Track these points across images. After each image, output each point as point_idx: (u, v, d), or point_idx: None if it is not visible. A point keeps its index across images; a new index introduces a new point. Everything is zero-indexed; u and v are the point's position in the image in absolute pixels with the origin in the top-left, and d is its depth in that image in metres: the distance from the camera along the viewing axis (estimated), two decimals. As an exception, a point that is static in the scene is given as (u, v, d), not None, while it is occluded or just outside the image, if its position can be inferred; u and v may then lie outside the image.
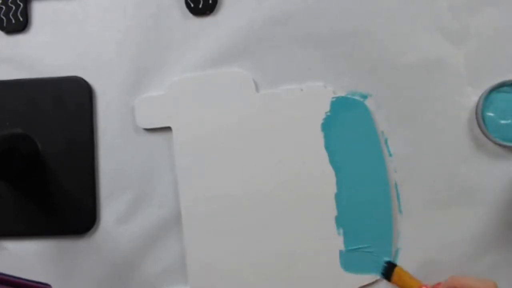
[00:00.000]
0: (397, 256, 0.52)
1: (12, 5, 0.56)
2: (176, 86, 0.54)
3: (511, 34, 0.51)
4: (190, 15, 0.54)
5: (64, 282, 0.56)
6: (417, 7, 0.52)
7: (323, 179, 0.52)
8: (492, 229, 0.52)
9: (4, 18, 0.56)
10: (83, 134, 0.55)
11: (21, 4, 0.56)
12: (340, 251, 0.52)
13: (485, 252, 0.52)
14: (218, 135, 0.54)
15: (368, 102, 0.53)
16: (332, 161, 0.52)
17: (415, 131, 0.52)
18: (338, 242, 0.52)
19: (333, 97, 0.53)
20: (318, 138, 0.53)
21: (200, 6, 0.54)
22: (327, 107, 0.53)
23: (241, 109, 0.53)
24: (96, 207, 0.55)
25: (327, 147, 0.52)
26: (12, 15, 0.56)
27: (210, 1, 0.54)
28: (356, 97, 0.53)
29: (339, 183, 0.52)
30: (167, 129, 0.54)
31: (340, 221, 0.52)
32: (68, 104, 0.55)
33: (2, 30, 0.56)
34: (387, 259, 0.51)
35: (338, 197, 0.52)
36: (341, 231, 0.52)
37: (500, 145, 0.51)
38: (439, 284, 0.44)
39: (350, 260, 0.52)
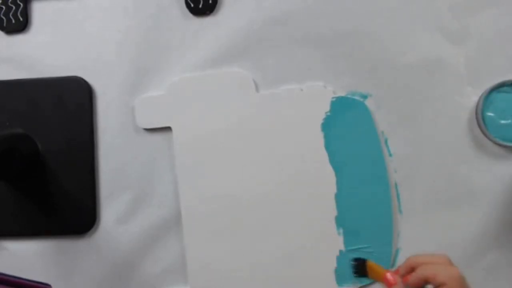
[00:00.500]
0: (397, 256, 0.52)
1: (12, 5, 0.56)
2: (176, 86, 0.54)
3: (511, 34, 0.51)
4: (190, 15, 0.54)
5: (64, 282, 0.56)
6: (417, 7, 0.52)
7: (323, 179, 0.52)
8: (492, 229, 0.52)
9: (4, 18, 0.56)
10: (83, 134, 0.55)
11: (21, 4, 0.56)
12: (339, 253, 0.52)
13: (485, 252, 0.52)
14: (218, 135, 0.54)
15: (368, 102, 0.53)
16: (332, 161, 0.52)
17: (415, 131, 0.52)
18: (338, 242, 0.52)
19: (333, 97, 0.53)
20: (318, 138, 0.53)
21: (200, 6, 0.54)
22: (327, 107, 0.53)
23: (241, 109, 0.53)
24: (96, 207, 0.55)
25: (327, 147, 0.52)
26: (12, 15, 0.56)
27: (210, 1, 0.54)
28: (356, 97, 0.53)
29: (339, 183, 0.52)
30: (167, 129, 0.54)
31: (340, 221, 0.52)
32: (68, 104, 0.55)
33: (2, 30, 0.56)
34: (354, 257, 0.50)
35: (338, 197, 0.52)
36: (341, 231, 0.52)
37: (500, 145, 0.51)
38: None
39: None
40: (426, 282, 0.39)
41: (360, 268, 0.47)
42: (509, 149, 0.51)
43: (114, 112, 0.56)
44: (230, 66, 0.54)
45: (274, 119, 0.53)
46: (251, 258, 0.53)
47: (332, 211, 0.52)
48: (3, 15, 0.56)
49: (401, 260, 0.52)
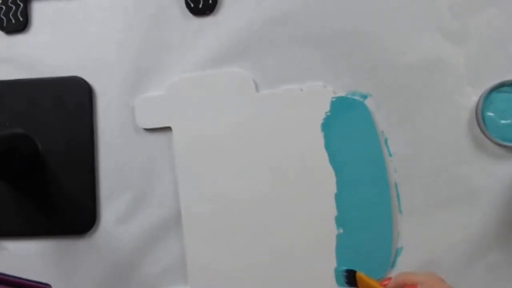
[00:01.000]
0: (397, 256, 0.52)
1: (12, 5, 0.56)
2: (176, 86, 0.54)
3: (511, 34, 0.51)
4: (190, 15, 0.54)
5: (64, 282, 0.56)
6: (417, 7, 0.52)
7: (323, 179, 0.52)
8: (492, 229, 0.52)
9: (4, 18, 0.56)
10: (83, 134, 0.55)
11: (21, 4, 0.56)
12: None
13: (485, 252, 0.52)
14: (218, 135, 0.54)
15: (368, 102, 0.53)
16: (332, 161, 0.52)
17: (415, 131, 0.52)
18: (338, 242, 0.52)
19: (333, 97, 0.53)
20: (318, 138, 0.53)
21: (200, 6, 0.54)
22: (327, 107, 0.53)
23: (241, 109, 0.53)
24: (96, 207, 0.55)
25: (327, 147, 0.52)
26: (12, 15, 0.56)
27: (210, 1, 0.54)
28: (356, 97, 0.53)
29: (339, 183, 0.52)
30: (167, 129, 0.54)
31: (340, 221, 0.52)
32: (68, 104, 0.55)
33: (2, 30, 0.56)
34: (344, 268, 0.52)
35: (338, 197, 0.52)
36: (341, 231, 0.52)
37: (500, 145, 0.51)
38: (389, 279, 0.44)
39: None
40: (405, 284, 0.40)
41: (351, 279, 0.47)
42: (509, 149, 0.51)
43: (114, 112, 0.56)
44: (230, 66, 0.54)
45: (274, 119, 0.53)
46: (251, 258, 0.53)
47: (332, 211, 0.52)
48: (3, 15, 0.56)
49: (401, 260, 0.52)
